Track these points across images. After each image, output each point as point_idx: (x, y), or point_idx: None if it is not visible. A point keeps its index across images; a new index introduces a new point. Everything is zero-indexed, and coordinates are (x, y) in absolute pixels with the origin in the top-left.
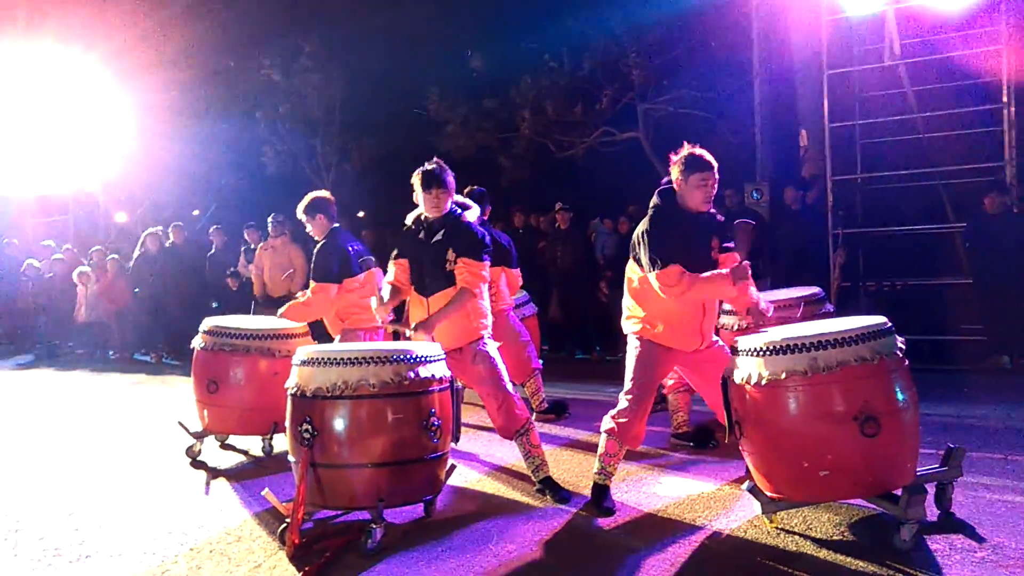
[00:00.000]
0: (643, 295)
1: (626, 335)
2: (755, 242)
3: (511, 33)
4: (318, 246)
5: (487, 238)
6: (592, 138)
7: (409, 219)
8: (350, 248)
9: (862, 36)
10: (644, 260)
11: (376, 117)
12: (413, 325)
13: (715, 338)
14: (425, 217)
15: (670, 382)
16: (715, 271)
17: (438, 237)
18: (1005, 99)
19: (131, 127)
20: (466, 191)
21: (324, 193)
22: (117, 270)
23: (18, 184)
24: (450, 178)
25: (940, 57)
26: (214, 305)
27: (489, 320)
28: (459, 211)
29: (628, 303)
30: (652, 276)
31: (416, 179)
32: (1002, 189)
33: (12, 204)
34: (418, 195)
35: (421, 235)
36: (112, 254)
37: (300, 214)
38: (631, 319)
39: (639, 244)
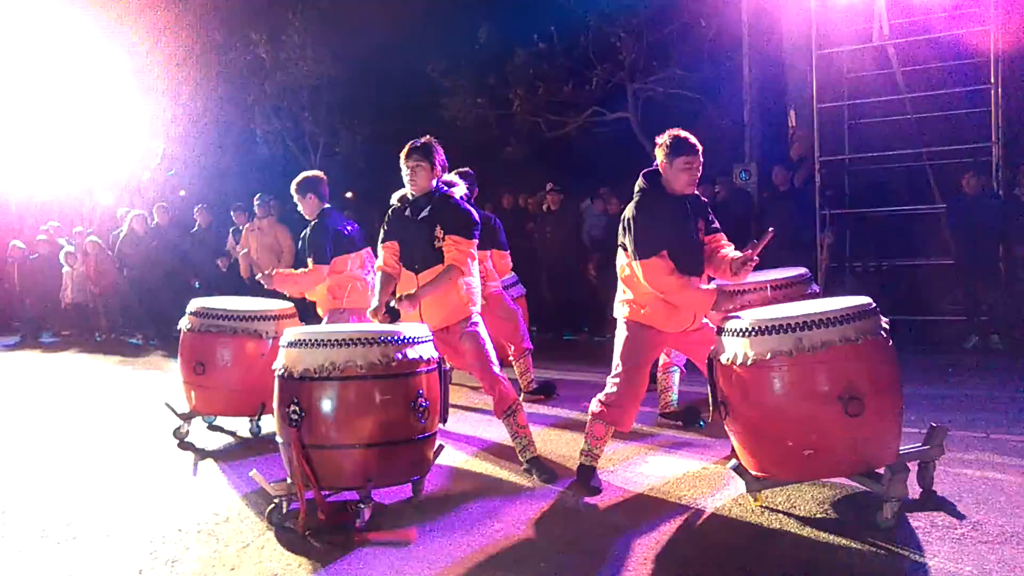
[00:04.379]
0: (632, 279)
1: (615, 318)
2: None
3: (505, 13)
4: (310, 227)
5: (475, 215)
6: (583, 118)
7: (395, 198)
8: (343, 228)
9: (851, 16)
10: (629, 247)
11: (366, 96)
12: (398, 296)
13: (704, 320)
14: (412, 195)
15: (661, 362)
16: (706, 288)
17: (424, 214)
18: (992, 80)
19: (115, 107)
20: (455, 171)
21: (317, 172)
22: (98, 252)
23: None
24: (436, 154)
25: (929, 37)
26: (196, 285)
27: (479, 299)
28: (445, 188)
29: (620, 287)
30: (636, 265)
31: (403, 152)
32: (980, 170)
33: None
34: (402, 168)
35: (407, 212)
36: (92, 236)
37: (292, 192)
38: (622, 303)
39: (625, 231)
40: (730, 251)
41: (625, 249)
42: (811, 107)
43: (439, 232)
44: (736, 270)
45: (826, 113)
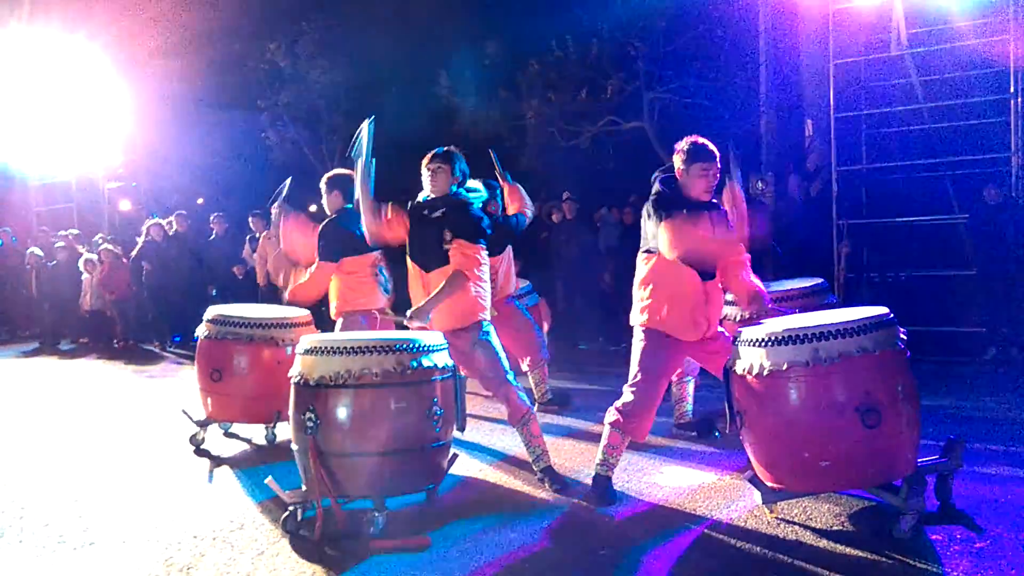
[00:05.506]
0: (649, 279)
1: (632, 328)
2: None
3: (519, 22)
4: (322, 225)
5: (485, 221)
6: (598, 127)
7: (419, 197)
8: (356, 230)
9: (869, 25)
10: (653, 222)
11: (382, 106)
12: (408, 313)
13: (721, 329)
14: (430, 196)
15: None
16: (726, 239)
17: (438, 214)
18: (1012, 89)
19: (135, 114)
20: (482, 180)
21: (350, 172)
22: (113, 260)
23: (22, 170)
24: (457, 161)
25: (947, 47)
26: (213, 293)
27: (488, 304)
28: (463, 193)
29: (637, 292)
30: (661, 228)
31: (426, 156)
32: (1000, 180)
33: (15, 191)
34: (423, 172)
35: (425, 211)
36: (107, 244)
37: (322, 184)
38: (641, 309)
39: (646, 218)
40: (747, 275)
41: (649, 252)
42: (828, 117)
43: (447, 235)
44: (752, 300)
45: (843, 122)
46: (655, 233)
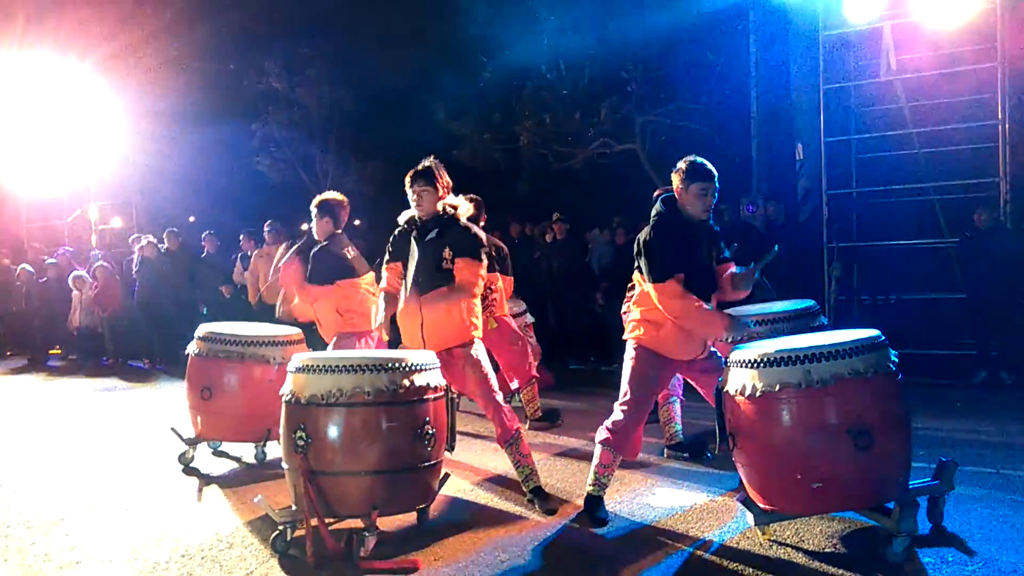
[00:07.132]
0: (645, 298)
1: (625, 344)
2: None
3: (514, 47)
4: (315, 250)
5: (483, 236)
6: (590, 149)
7: (402, 219)
8: (347, 254)
9: (859, 51)
10: (644, 270)
11: (377, 128)
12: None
13: (713, 350)
14: (418, 217)
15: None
16: (720, 313)
17: (432, 236)
18: (1000, 115)
19: (128, 132)
20: (466, 196)
21: (340, 197)
22: (106, 276)
23: (13, 188)
24: (440, 177)
25: (936, 73)
26: (203, 311)
27: (480, 323)
28: (452, 210)
29: (633, 308)
30: (650, 287)
31: (407, 177)
32: (991, 204)
33: (7, 208)
34: (408, 193)
35: (414, 235)
36: (101, 260)
37: (312, 208)
38: (635, 321)
39: (640, 253)
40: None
41: (640, 271)
42: (819, 140)
43: (447, 254)
44: (737, 284)
45: (833, 146)
46: (646, 278)
